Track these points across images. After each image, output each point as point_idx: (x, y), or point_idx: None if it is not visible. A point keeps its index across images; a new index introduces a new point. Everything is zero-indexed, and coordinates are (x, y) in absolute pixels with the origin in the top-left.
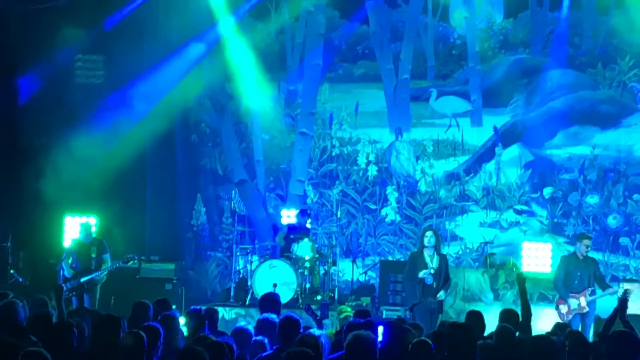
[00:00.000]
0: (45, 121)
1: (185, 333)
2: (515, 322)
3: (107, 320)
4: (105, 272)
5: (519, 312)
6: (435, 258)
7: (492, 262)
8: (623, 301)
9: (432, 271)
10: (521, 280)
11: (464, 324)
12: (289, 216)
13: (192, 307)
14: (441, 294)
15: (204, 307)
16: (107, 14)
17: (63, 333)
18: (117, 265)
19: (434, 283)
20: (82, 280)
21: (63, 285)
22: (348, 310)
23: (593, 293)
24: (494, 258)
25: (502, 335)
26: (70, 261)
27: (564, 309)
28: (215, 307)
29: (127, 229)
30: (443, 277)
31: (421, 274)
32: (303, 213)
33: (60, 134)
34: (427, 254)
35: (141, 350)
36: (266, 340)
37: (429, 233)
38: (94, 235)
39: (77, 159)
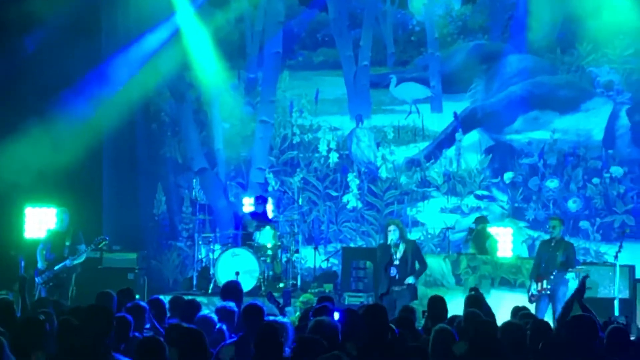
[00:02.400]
0: (2, 111)
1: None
2: (479, 306)
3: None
4: (79, 261)
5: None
6: (401, 246)
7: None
8: (581, 285)
9: (397, 262)
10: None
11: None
12: (250, 204)
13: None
14: (409, 279)
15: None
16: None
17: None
18: (91, 249)
19: (397, 275)
20: (56, 268)
21: (37, 277)
22: (311, 298)
23: (556, 275)
24: (485, 221)
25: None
26: (44, 253)
27: (529, 293)
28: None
29: (87, 219)
30: (410, 263)
31: (391, 272)
32: (259, 199)
33: (16, 124)
34: (392, 245)
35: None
36: (225, 327)
37: (391, 227)
38: (68, 223)
39: (35, 149)
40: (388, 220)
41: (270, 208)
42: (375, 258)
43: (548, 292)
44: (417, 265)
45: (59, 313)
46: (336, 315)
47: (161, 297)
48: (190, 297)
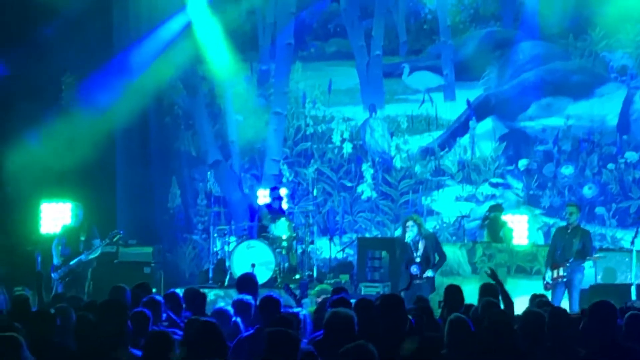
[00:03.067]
0: (17, 106)
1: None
2: (495, 295)
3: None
4: (94, 255)
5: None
6: (421, 243)
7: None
8: (493, 278)
9: (418, 259)
10: (492, 275)
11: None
12: (265, 196)
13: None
14: (429, 272)
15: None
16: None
17: (43, 321)
18: (106, 243)
19: (419, 272)
20: (71, 263)
21: (53, 273)
22: (327, 288)
23: (572, 263)
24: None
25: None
26: (60, 248)
27: (545, 280)
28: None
29: (101, 213)
30: (431, 257)
31: (412, 271)
32: (274, 190)
33: (32, 119)
34: (411, 242)
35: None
36: (239, 320)
37: (409, 223)
38: (82, 219)
39: (50, 144)
40: (407, 216)
41: (284, 199)
42: (390, 248)
43: (564, 279)
44: (436, 257)
45: (76, 309)
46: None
47: (177, 290)
48: (195, 288)
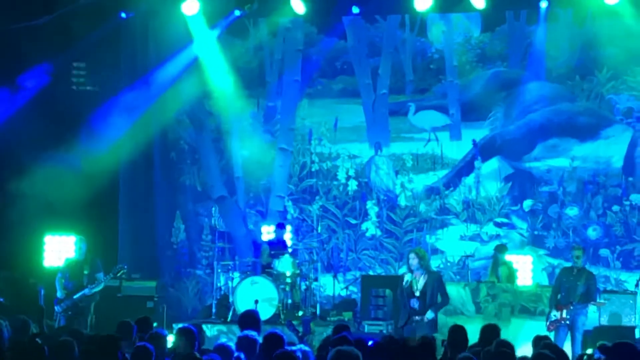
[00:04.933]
0: (22, 141)
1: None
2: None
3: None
4: (97, 289)
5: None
6: (422, 278)
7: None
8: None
9: (418, 293)
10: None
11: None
12: (269, 232)
13: (186, 325)
14: (428, 314)
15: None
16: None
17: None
18: (109, 278)
19: (419, 306)
20: (75, 297)
21: (56, 306)
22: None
23: (575, 306)
24: (503, 249)
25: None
26: (63, 282)
27: (548, 321)
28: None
29: (104, 247)
30: (429, 296)
31: (411, 304)
32: (280, 226)
33: (37, 153)
34: (414, 275)
35: None
36: (242, 356)
37: (411, 255)
38: (85, 252)
39: (55, 178)
40: (411, 249)
41: (288, 236)
42: (394, 286)
43: (567, 322)
44: (439, 298)
45: (79, 342)
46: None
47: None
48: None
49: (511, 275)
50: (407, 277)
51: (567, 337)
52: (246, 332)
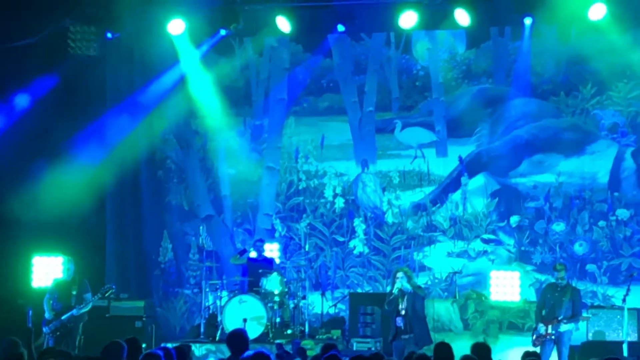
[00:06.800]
0: (8, 161)
1: None
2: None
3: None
4: (85, 310)
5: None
6: (408, 296)
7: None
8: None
9: (403, 312)
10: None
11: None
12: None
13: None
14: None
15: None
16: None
17: None
18: (97, 298)
19: (403, 324)
20: (63, 318)
21: (45, 327)
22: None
23: (561, 322)
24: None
25: None
26: (51, 303)
27: (534, 335)
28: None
29: (91, 267)
30: (410, 314)
31: (397, 323)
32: (259, 242)
33: (25, 173)
34: (399, 293)
35: None
36: None
37: (399, 274)
38: (73, 272)
39: (43, 198)
40: (397, 267)
41: (276, 254)
42: (382, 304)
43: (553, 336)
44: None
45: None
46: None
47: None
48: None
49: None
50: (395, 292)
51: (553, 352)
52: (244, 355)
